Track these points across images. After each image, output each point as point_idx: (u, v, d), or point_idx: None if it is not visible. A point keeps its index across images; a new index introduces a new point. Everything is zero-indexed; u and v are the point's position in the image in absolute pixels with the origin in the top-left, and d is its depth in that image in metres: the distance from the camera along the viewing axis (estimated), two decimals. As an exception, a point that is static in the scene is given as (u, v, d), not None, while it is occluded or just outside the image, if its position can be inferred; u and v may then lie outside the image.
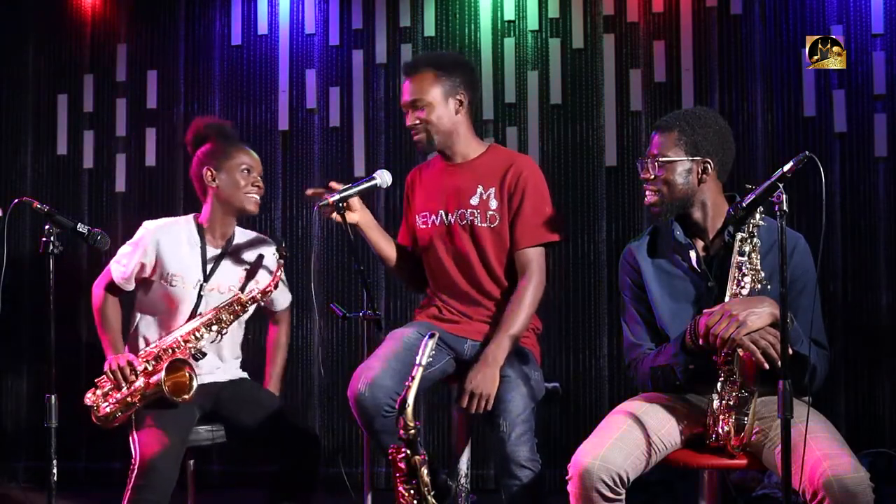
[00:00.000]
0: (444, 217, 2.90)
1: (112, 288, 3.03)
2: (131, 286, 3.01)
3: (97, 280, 3.06)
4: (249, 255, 3.08)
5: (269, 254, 3.08)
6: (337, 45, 4.44)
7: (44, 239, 2.59)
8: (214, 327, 2.88)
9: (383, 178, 2.87)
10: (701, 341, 2.29)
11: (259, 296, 2.93)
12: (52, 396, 2.62)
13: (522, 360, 2.82)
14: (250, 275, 3.05)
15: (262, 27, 4.48)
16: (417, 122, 2.87)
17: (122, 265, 2.99)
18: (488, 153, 2.97)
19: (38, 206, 2.63)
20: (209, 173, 3.00)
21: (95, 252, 2.82)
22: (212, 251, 3.01)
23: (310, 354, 4.40)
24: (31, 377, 4.56)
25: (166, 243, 2.97)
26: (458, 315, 2.90)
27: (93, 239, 2.67)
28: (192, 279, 2.96)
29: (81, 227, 2.65)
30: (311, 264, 4.33)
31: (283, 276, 3.09)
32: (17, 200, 2.66)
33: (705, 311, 2.33)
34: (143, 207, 4.51)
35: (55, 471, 2.62)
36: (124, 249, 3.01)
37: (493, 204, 2.87)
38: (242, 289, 2.99)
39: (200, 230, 3.03)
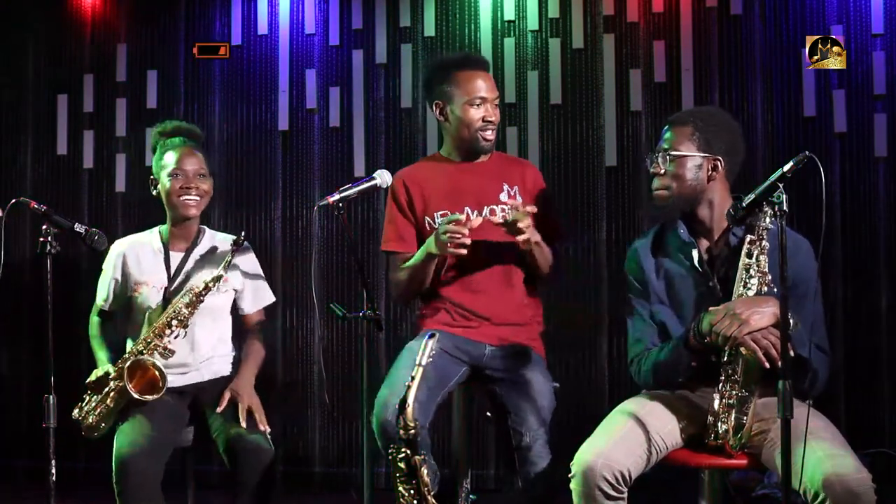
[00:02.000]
0: (470, 214, 2.87)
1: (100, 313, 3.15)
2: (110, 304, 3.10)
3: (91, 314, 3.17)
4: (214, 256, 3.06)
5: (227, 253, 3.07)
6: (337, 45, 4.43)
7: (41, 239, 2.59)
8: (175, 322, 2.87)
9: (383, 178, 2.86)
10: (705, 339, 2.30)
11: (211, 283, 2.90)
12: (51, 396, 2.61)
13: (540, 368, 2.83)
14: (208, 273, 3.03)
15: (262, 27, 4.48)
16: None
17: (101, 289, 3.11)
18: (496, 157, 3.05)
19: (36, 206, 2.63)
20: (152, 183, 3.06)
21: (94, 252, 2.81)
22: (175, 256, 3.04)
23: (310, 354, 4.40)
24: (30, 377, 4.55)
25: (131, 256, 3.05)
26: (475, 319, 2.89)
27: (90, 239, 2.67)
28: (157, 285, 2.99)
29: (79, 227, 2.66)
30: (312, 264, 4.33)
31: (254, 274, 3.12)
32: (14, 200, 2.66)
33: (711, 308, 2.34)
34: (143, 207, 4.51)
35: (54, 471, 2.62)
36: (101, 276, 3.12)
37: (520, 199, 2.91)
38: None
39: (163, 239, 3.07)
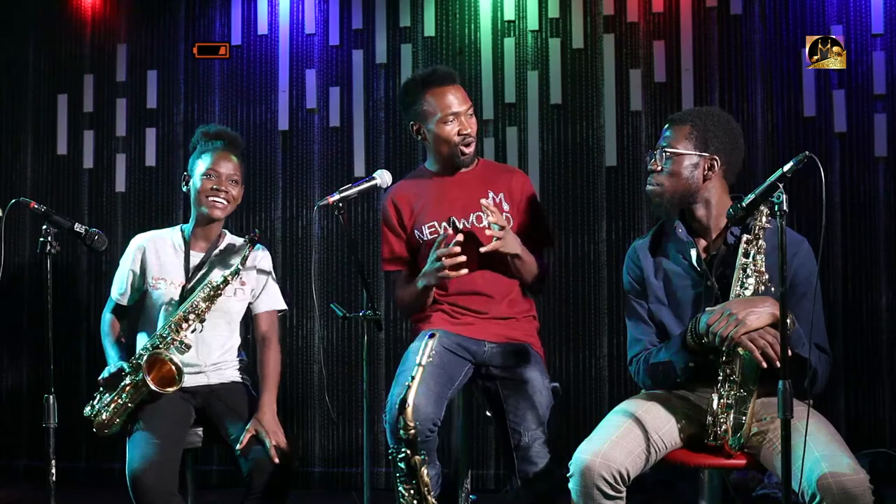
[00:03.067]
0: (457, 223, 2.91)
1: (114, 309, 3.12)
2: (126, 298, 3.08)
3: (104, 310, 3.14)
4: (234, 258, 3.05)
5: (253, 254, 3.07)
6: (337, 45, 4.44)
7: (41, 239, 2.59)
8: (192, 316, 2.88)
9: (383, 178, 2.87)
10: (702, 339, 2.30)
11: (230, 277, 2.90)
12: (51, 396, 2.61)
13: (538, 366, 2.84)
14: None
15: (262, 27, 4.48)
16: None
17: (117, 283, 3.10)
18: (481, 165, 3.07)
19: (35, 206, 2.63)
20: (184, 179, 3.07)
21: (94, 252, 2.81)
22: (196, 256, 3.04)
23: (310, 354, 4.40)
24: (31, 377, 4.56)
25: (151, 250, 3.04)
26: (472, 315, 2.90)
27: (90, 239, 2.67)
28: (176, 283, 2.99)
29: (78, 227, 2.66)
30: (312, 264, 4.33)
31: (270, 276, 3.11)
32: (13, 200, 2.66)
33: (707, 308, 2.34)
34: (143, 207, 4.51)
35: (54, 471, 2.62)
36: (118, 270, 3.10)
37: (506, 206, 2.95)
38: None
39: (185, 237, 3.07)
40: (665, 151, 2.51)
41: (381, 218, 3.06)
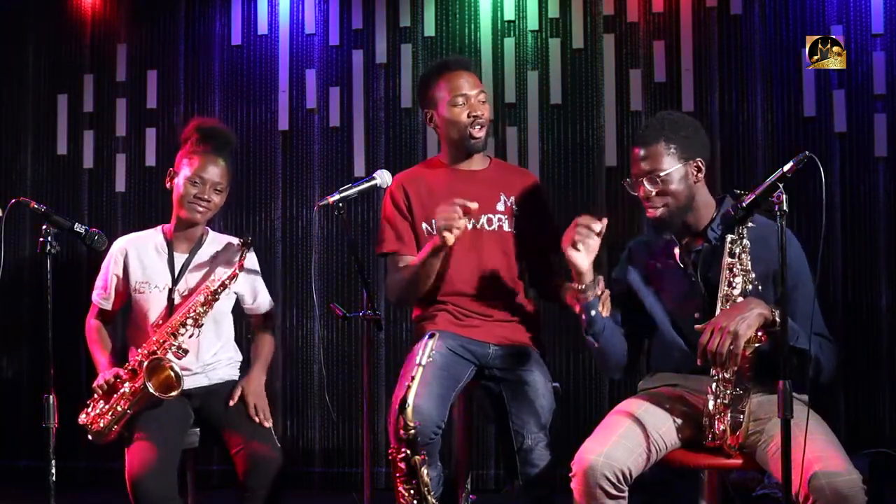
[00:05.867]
0: (466, 223, 2.85)
1: (98, 314, 3.11)
2: (110, 303, 3.07)
3: (87, 316, 3.12)
4: (218, 257, 3.04)
5: (238, 252, 3.05)
6: (337, 45, 4.44)
7: (41, 239, 2.59)
8: (189, 321, 2.87)
9: (383, 178, 2.87)
10: (699, 361, 2.29)
11: (228, 281, 2.90)
12: (51, 396, 2.61)
13: (541, 368, 2.83)
14: (220, 273, 3.01)
15: (262, 27, 4.48)
16: None
17: (100, 287, 3.07)
18: (495, 165, 3.05)
19: (35, 205, 2.63)
20: (169, 176, 3.03)
21: (94, 252, 2.81)
22: (179, 257, 3.02)
23: (310, 354, 4.40)
24: (30, 377, 4.56)
25: (133, 253, 3.02)
26: (478, 318, 2.89)
27: (90, 239, 2.67)
28: (161, 285, 2.98)
29: (78, 227, 2.66)
30: (312, 264, 4.34)
31: (258, 277, 3.12)
32: (13, 200, 2.66)
33: (696, 326, 2.34)
34: (143, 207, 4.51)
35: (54, 471, 2.62)
36: (99, 274, 3.09)
37: (517, 210, 2.94)
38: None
39: (167, 238, 3.05)
40: (654, 176, 2.48)
41: (386, 200, 2.99)
